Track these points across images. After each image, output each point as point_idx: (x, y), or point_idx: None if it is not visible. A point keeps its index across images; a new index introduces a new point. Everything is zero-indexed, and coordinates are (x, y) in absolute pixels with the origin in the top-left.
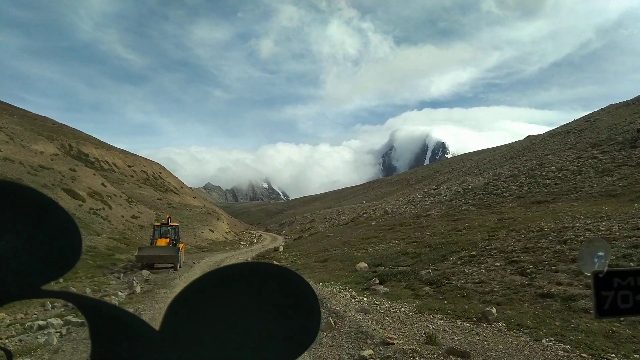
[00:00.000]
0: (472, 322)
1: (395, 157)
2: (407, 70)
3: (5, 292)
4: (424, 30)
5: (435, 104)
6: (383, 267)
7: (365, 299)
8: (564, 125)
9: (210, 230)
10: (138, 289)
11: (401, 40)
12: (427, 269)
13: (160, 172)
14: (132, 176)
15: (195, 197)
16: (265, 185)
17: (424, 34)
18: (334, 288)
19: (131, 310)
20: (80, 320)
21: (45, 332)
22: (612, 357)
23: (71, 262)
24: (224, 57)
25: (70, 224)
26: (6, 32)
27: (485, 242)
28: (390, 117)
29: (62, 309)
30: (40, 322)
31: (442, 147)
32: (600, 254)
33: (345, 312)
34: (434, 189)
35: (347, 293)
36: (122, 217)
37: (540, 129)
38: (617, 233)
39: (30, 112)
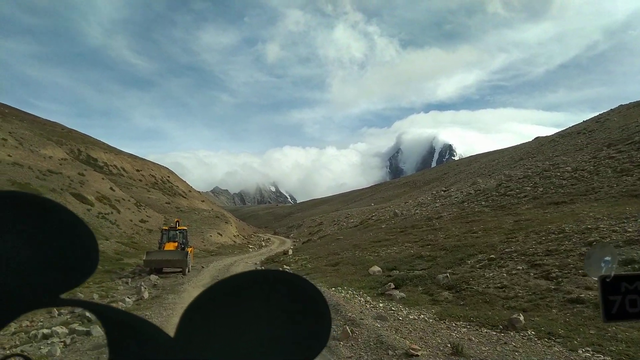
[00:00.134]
0: (498, 330)
1: (402, 160)
2: (413, 73)
3: (25, 301)
4: (430, 33)
5: (442, 106)
6: (398, 271)
7: (381, 304)
8: (573, 126)
9: (219, 233)
10: (146, 295)
11: (407, 44)
12: (445, 273)
13: (169, 176)
14: (140, 180)
15: (203, 201)
16: (273, 189)
17: (429, 36)
18: (348, 293)
19: None
20: (85, 329)
21: (49, 342)
22: None
23: (89, 270)
24: (231, 61)
25: (87, 233)
26: (17, 39)
27: (503, 244)
28: (396, 119)
29: (69, 316)
30: (45, 331)
31: (449, 149)
32: (607, 258)
33: (362, 319)
34: (444, 191)
35: (362, 299)
36: (131, 221)
37: (548, 131)
38: None
39: (39, 118)
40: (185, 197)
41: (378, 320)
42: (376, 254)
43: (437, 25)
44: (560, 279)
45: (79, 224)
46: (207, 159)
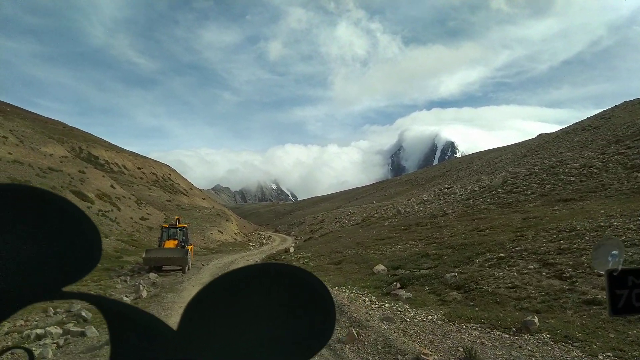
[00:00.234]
0: (511, 333)
1: (404, 157)
2: (416, 71)
3: (28, 294)
4: (433, 30)
5: (444, 103)
6: (403, 270)
7: (387, 305)
8: (577, 122)
9: (220, 231)
10: (144, 293)
11: (410, 41)
12: (452, 272)
13: (170, 174)
14: (141, 178)
15: (204, 199)
16: (274, 187)
17: (432, 33)
18: (352, 293)
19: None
20: (80, 330)
21: (42, 343)
22: None
23: (91, 263)
24: (233, 59)
25: (90, 227)
26: (20, 39)
27: (512, 242)
28: (399, 117)
29: (64, 315)
30: (39, 331)
31: (451, 146)
32: (614, 252)
33: (368, 321)
34: (448, 188)
35: (367, 298)
36: (131, 218)
37: (551, 128)
38: None
39: (41, 116)
40: (186, 195)
41: (384, 322)
42: (380, 252)
43: (440, 22)
44: (575, 279)
45: (83, 217)
46: (209, 157)
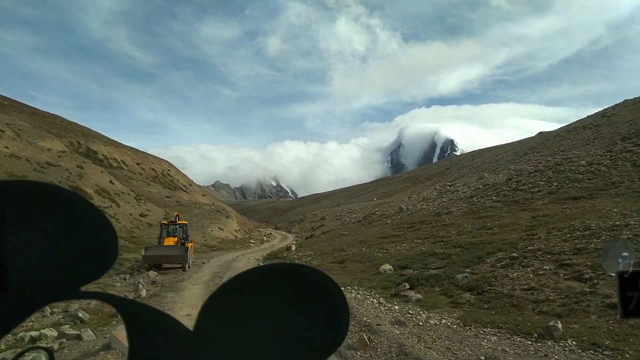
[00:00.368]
0: (533, 339)
1: (404, 155)
2: (416, 68)
3: (46, 293)
4: (432, 27)
5: (444, 101)
6: (411, 270)
7: (396, 307)
8: (578, 121)
9: (220, 228)
10: (144, 293)
11: (409, 37)
12: (463, 272)
13: (169, 170)
14: (140, 174)
15: (204, 195)
16: (274, 183)
17: (432, 30)
18: (359, 294)
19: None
20: (76, 333)
21: (21, 347)
22: None
23: (108, 263)
24: (232, 55)
25: (107, 226)
26: (17, 31)
27: (524, 241)
28: (398, 114)
29: (61, 316)
30: (33, 334)
31: (450, 144)
32: (624, 254)
33: (379, 325)
34: (450, 186)
35: (374, 300)
36: (130, 215)
37: (550, 126)
38: None
39: (39, 110)
40: (185, 191)
41: (396, 326)
42: (385, 251)
43: (440, 18)
44: (595, 281)
45: (100, 217)
46: (208, 153)
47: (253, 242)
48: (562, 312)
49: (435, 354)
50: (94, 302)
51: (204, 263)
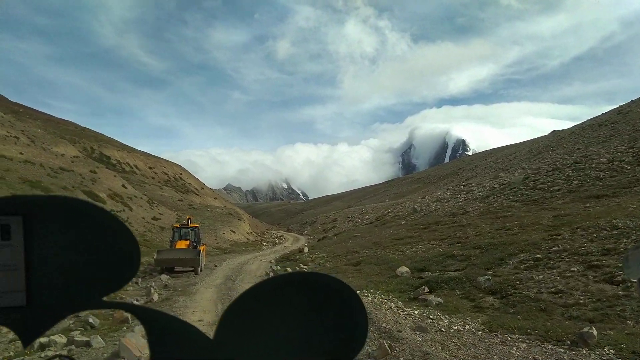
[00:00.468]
0: (566, 347)
1: (415, 156)
2: (425, 68)
3: (70, 303)
4: (442, 27)
5: (455, 101)
6: (429, 273)
7: (416, 312)
8: (593, 118)
9: (232, 231)
10: (155, 297)
11: (419, 38)
12: (485, 274)
13: (181, 174)
14: (153, 178)
15: (216, 198)
16: (285, 186)
17: (441, 30)
18: (376, 297)
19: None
20: (85, 340)
21: (42, 356)
22: None
23: (130, 274)
24: (242, 59)
25: (129, 237)
26: (32, 41)
27: (548, 242)
28: (409, 115)
29: (71, 322)
30: (43, 340)
31: (462, 144)
32: None
33: (400, 331)
34: (464, 185)
35: (392, 304)
36: (143, 218)
37: (563, 124)
38: None
39: (53, 117)
40: (197, 195)
41: (417, 332)
42: (401, 253)
43: (449, 18)
44: (629, 284)
45: (121, 227)
46: (220, 157)
47: (265, 245)
48: (595, 317)
49: None
50: None
51: (216, 266)
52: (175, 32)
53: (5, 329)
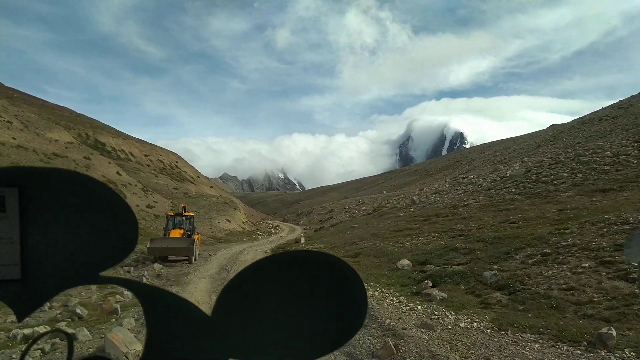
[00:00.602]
0: (582, 348)
1: (413, 148)
2: (426, 60)
3: (65, 277)
4: (443, 19)
5: (454, 93)
6: (432, 266)
7: (419, 307)
8: (593, 113)
9: (227, 220)
10: None
11: (419, 29)
12: (490, 269)
13: (177, 162)
14: (148, 165)
15: (211, 187)
16: (281, 176)
17: (442, 22)
18: (376, 291)
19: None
20: (71, 332)
21: (24, 349)
22: None
23: (128, 249)
24: (241, 48)
25: (128, 213)
26: (30, 27)
27: (555, 236)
28: (407, 107)
29: (59, 312)
30: (26, 331)
31: (460, 137)
32: None
33: (405, 329)
34: (463, 178)
35: (394, 298)
36: (137, 206)
37: (562, 119)
38: None
39: (49, 102)
40: (193, 183)
41: (423, 330)
42: (401, 245)
43: (450, 10)
44: None
45: (120, 202)
46: (216, 145)
47: (261, 234)
48: (611, 317)
49: None
50: (94, 297)
51: (210, 255)
52: (174, 20)
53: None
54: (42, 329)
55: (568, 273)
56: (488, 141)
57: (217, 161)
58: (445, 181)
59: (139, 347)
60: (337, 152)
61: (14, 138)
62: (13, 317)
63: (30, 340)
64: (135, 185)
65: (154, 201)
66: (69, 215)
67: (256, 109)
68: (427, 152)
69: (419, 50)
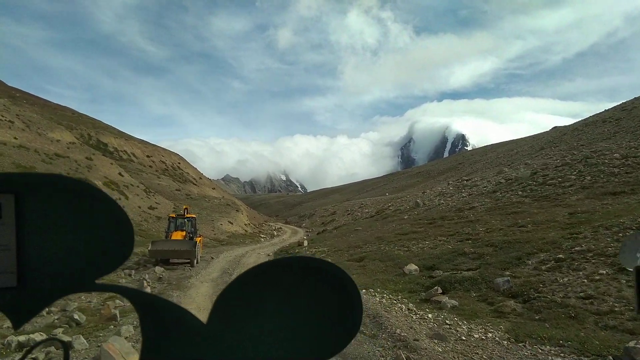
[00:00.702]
0: None
1: (414, 150)
2: (427, 61)
3: (62, 285)
4: (445, 20)
5: (456, 95)
6: (441, 272)
7: (430, 315)
8: (596, 114)
9: (230, 222)
10: (148, 291)
11: (421, 30)
12: (503, 275)
13: (179, 163)
14: (150, 166)
15: (214, 188)
16: (283, 177)
17: (444, 23)
18: (384, 297)
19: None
20: (67, 340)
21: (29, 339)
22: None
23: (124, 256)
24: (243, 48)
25: (124, 219)
26: (32, 25)
27: (568, 241)
28: (409, 108)
29: (56, 317)
30: (21, 338)
31: (462, 139)
32: None
33: (417, 340)
34: (467, 180)
35: (403, 306)
36: (139, 207)
37: (564, 121)
38: None
39: (51, 102)
40: (195, 184)
41: (436, 341)
42: (406, 249)
43: (452, 11)
44: None
45: (116, 209)
46: (219, 147)
47: (263, 237)
48: (635, 328)
49: None
50: (94, 301)
51: (212, 258)
52: (176, 19)
53: None
54: (37, 336)
55: (585, 280)
56: (490, 143)
57: (219, 163)
58: (448, 183)
59: (136, 358)
60: (338, 153)
61: (15, 138)
62: (9, 323)
63: (25, 350)
64: (138, 187)
65: (156, 202)
66: (65, 222)
67: (258, 110)
68: (429, 154)
69: (421, 51)
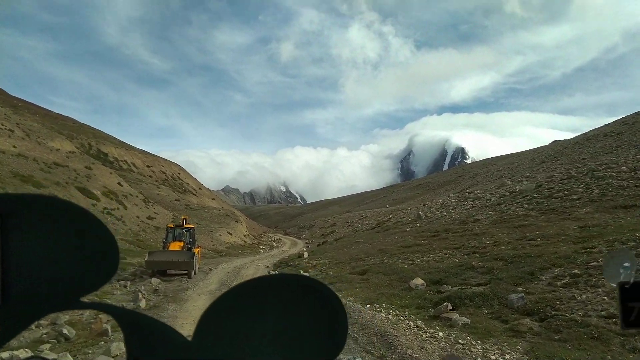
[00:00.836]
0: None
1: (414, 163)
2: (428, 75)
3: (45, 303)
4: (446, 34)
5: (456, 108)
6: (449, 287)
7: (441, 334)
8: (597, 129)
9: (229, 233)
10: (143, 303)
11: (422, 44)
12: (516, 291)
13: (179, 173)
14: (150, 176)
15: (213, 199)
16: (283, 189)
17: (445, 37)
18: (390, 314)
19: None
20: (54, 357)
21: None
22: None
23: (109, 274)
24: (245, 61)
25: (108, 237)
26: (37, 37)
27: (582, 255)
28: (409, 121)
29: (45, 332)
30: (4, 355)
31: (461, 152)
32: (626, 264)
33: None
34: (469, 192)
35: (411, 322)
36: (137, 217)
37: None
38: None
39: (52, 112)
40: (195, 195)
41: None
42: (411, 262)
43: (453, 25)
44: None
45: (100, 227)
46: (219, 158)
47: (262, 248)
48: None
49: None
50: (86, 314)
51: (211, 270)
52: (179, 32)
53: None
54: (22, 353)
55: (605, 298)
56: (490, 156)
57: (219, 174)
58: (449, 196)
59: None
60: (339, 166)
61: (14, 146)
62: None
63: None
64: (137, 196)
65: (155, 212)
66: (50, 241)
67: (259, 122)
68: (428, 167)
69: (421, 65)
